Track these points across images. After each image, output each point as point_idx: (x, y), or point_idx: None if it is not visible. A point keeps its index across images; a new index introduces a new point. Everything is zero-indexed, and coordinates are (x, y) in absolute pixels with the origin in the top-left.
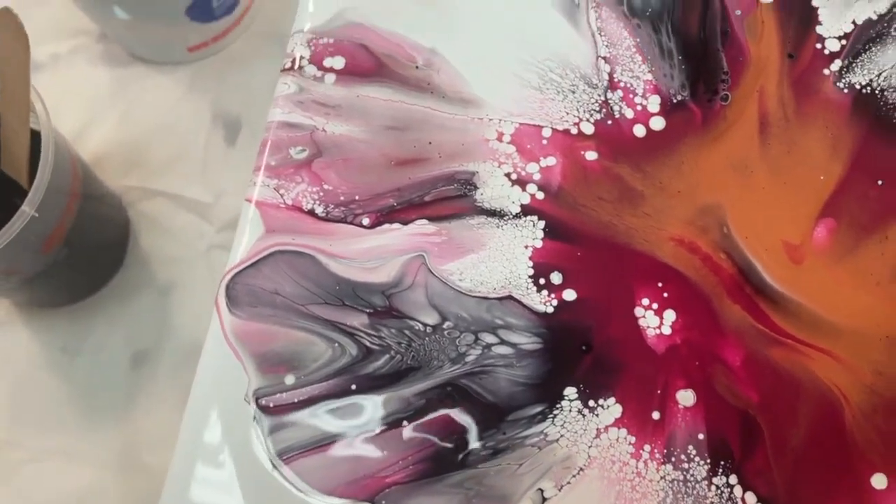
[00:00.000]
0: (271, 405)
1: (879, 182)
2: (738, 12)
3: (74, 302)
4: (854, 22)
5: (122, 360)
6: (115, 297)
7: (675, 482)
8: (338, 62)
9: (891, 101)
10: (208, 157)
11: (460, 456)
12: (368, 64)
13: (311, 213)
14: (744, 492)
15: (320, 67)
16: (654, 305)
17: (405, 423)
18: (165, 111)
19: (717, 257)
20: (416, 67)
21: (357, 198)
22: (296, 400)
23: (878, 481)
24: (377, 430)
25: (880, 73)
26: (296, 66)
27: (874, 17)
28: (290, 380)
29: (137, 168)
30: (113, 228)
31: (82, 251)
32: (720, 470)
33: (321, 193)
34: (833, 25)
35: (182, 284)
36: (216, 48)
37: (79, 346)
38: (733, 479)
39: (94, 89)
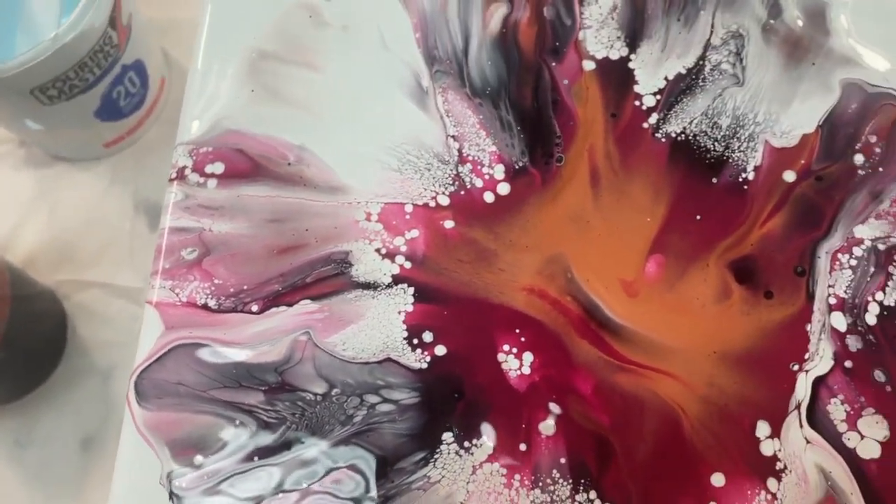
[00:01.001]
0: (184, 485)
1: (698, 217)
2: (566, 81)
3: (20, 398)
4: (666, 78)
5: (72, 444)
6: (60, 385)
7: None
8: (218, 167)
9: (702, 145)
10: (134, 244)
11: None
12: (245, 166)
13: (205, 306)
14: (602, 503)
15: (202, 174)
16: (514, 350)
17: (306, 484)
18: (90, 205)
19: (564, 300)
20: (289, 164)
21: (245, 287)
22: (206, 477)
23: (717, 479)
24: (281, 494)
25: (692, 121)
26: (181, 176)
27: (683, 72)
28: (198, 460)
29: (69, 262)
30: (49, 322)
31: (21, 350)
32: (581, 488)
33: (212, 288)
34: (648, 83)
35: (122, 366)
36: (131, 140)
37: (30, 436)
38: (593, 494)
39: (21, 192)
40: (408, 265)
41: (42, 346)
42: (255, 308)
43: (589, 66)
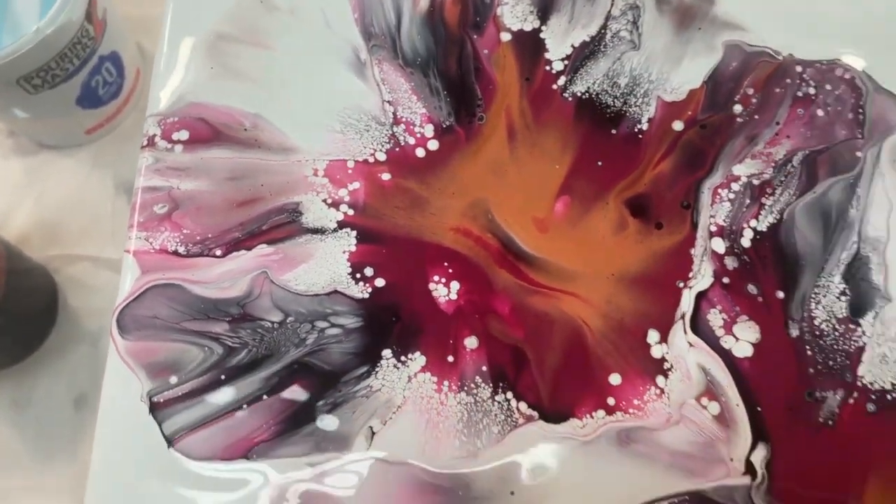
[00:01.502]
0: (161, 401)
1: (599, 163)
2: (486, 51)
3: (17, 363)
4: (572, 45)
5: (65, 404)
6: (53, 351)
7: (469, 404)
8: (183, 135)
9: (603, 102)
10: (116, 222)
11: (309, 412)
12: (207, 133)
13: (175, 252)
14: (518, 402)
15: (170, 141)
16: (443, 280)
17: (265, 396)
18: (74, 188)
19: (485, 237)
20: (245, 130)
21: (209, 236)
22: (179, 394)
23: (614, 379)
24: (244, 406)
25: (594, 82)
26: (151, 143)
27: (587, 40)
28: (173, 380)
29: (58, 240)
30: (42, 294)
31: (16, 319)
32: (499, 390)
33: (181, 237)
34: (557, 50)
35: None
36: (110, 128)
37: (27, 398)
38: (510, 394)
39: (10, 178)
40: (350, 212)
41: (36, 316)
42: (218, 252)
43: (506, 37)
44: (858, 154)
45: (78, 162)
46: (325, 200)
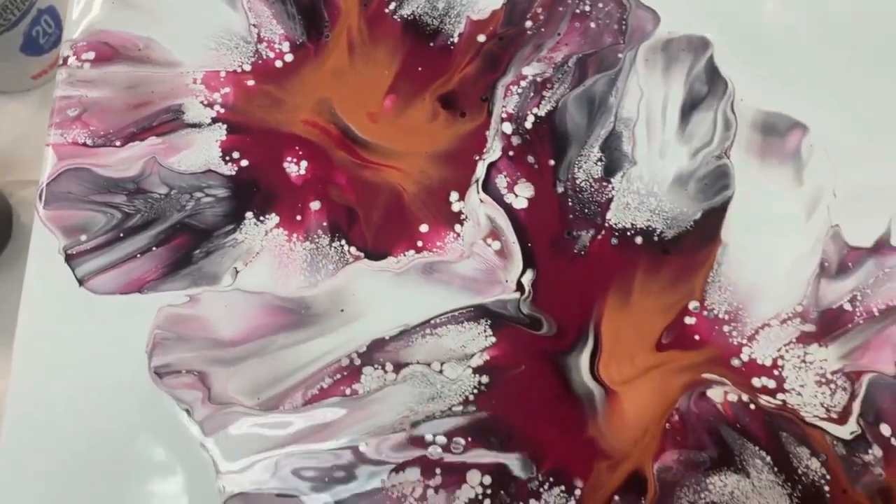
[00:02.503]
0: (74, 253)
1: (419, 69)
2: None
3: None
4: None
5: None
6: (9, 261)
7: (312, 250)
8: (90, 55)
9: (425, 22)
10: None
11: (188, 258)
12: (109, 53)
13: (84, 144)
14: (349, 247)
15: (80, 60)
16: (294, 159)
17: (154, 248)
18: (24, 126)
19: (328, 127)
20: (139, 49)
21: (111, 131)
22: (88, 248)
23: (423, 228)
24: (137, 254)
25: (418, 6)
26: (65, 62)
27: None
28: (83, 238)
29: (11, 169)
30: None
31: None
32: (335, 239)
33: (89, 132)
34: None
35: None
36: (54, 73)
37: None
38: (343, 242)
39: None
40: (222, 111)
41: None
42: (118, 143)
43: None
44: (620, 56)
45: (26, 104)
46: (202, 102)
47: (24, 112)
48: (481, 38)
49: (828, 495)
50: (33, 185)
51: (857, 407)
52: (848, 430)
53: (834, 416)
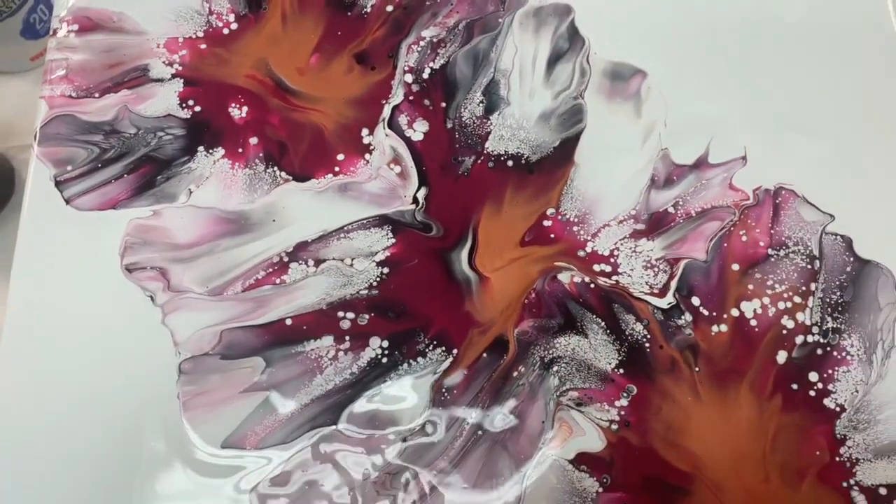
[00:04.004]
0: (62, 179)
1: (339, 33)
2: None
3: None
4: None
5: None
6: (11, 213)
7: (250, 175)
8: (74, 27)
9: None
10: None
11: (152, 182)
12: (90, 25)
13: (70, 96)
14: (280, 172)
15: (67, 31)
16: (237, 105)
17: (125, 175)
18: (24, 100)
19: (265, 80)
20: (114, 21)
21: (91, 86)
22: (73, 175)
23: (340, 157)
24: (112, 179)
25: None
26: (55, 33)
27: None
28: (69, 168)
29: (14, 136)
30: (2, 172)
31: None
32: (269, 166)
33: (73, 87)
34: None
35: None
36: None
37: None
38: (275, 168)
39: None
40: (180, 69)
41: None
42: (97, 95)
43: None
44: (500, 20)
45: (26, 82)
46: (163, 62)
47: (23, 88)
48: (389, 8)
49: (648, 350)
50: (31, 148)
51: (674, 284)
52: (666, 302)
53: (656, 291)
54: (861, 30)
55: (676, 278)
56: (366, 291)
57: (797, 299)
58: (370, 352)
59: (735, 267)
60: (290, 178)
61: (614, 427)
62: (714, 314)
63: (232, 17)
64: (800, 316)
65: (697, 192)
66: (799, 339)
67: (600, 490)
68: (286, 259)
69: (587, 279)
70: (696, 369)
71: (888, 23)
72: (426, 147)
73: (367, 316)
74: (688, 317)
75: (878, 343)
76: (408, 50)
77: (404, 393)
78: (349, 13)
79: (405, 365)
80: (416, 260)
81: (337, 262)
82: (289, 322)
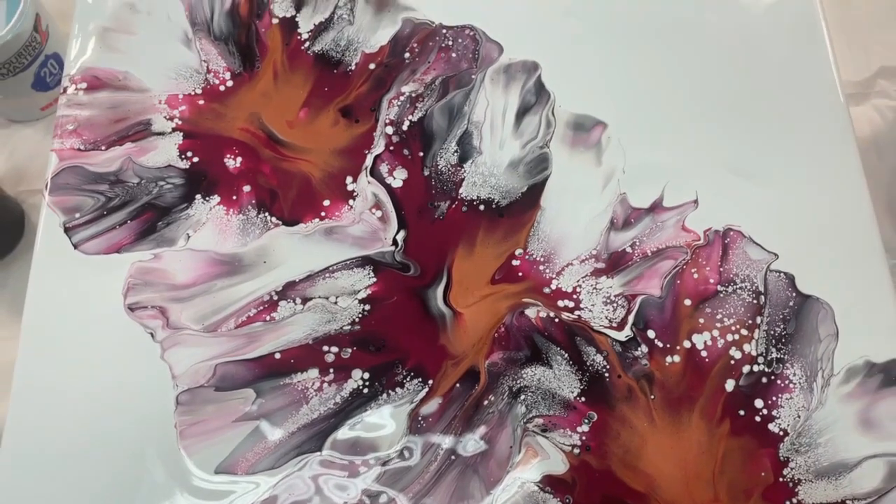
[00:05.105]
0: (70, 226)
1: (326, 89)
2: (263, 29)
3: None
4: (314, 24)
5: None
6: (23, 254)
7: (244, 220)
8: (83, 85)
9: (331, 56)
10: None
11: (153, 228)
12: (97, 83)
13: (78, 149)
14: (270, 217)
15: (76, 88)
16: (232, 157)
17: (129, 221)
18: (34, 148)
19: (258, 133)
20: (119, 80)
21: (98, 139)
22: (81, 222)
23: (326, 203)
24: (116, 225)
25: (325, 44)
26: (65, 91)
27: (324, 20)
28: (77, 215)
29: (24, 181)
30: (12, 215)
31: None
32: (261, 212)
33: (81, 141)
34: (305, 27)
35: None
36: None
37: (4, 284)
38: (266, 214)
39: None
40: (180, 122)
41: (9, 229)
42: (103, 147)
43: (275, 21)
44: (473, 77)
45: (36, 130)
46: (165, 117)
47: (34, 136)
48: (372, 66)
49: (607, 379)
50: (40, 194)
51: (631, 318)
52: (624, 335)
53: (615, 325)
54: (805, 84)
55: (633, 313)
56: (349, 327)
57: (744, 332)
58: (352, 383)
59: (687, 302)
60: (280, 222)
61: (576, 451)
62: (668, 346)
63: (228, 75)
64: (746, 347)
65: (653, 233)
66: (746, 369)
67: None
68: (276, 297)
69: (552, 314)
70: (652, 397)
71: (830, 79)
72: (405, 193)
73: (349, 350)
74: (644, 348)
75: (819, 372)
76: (389, 104)
77: (384, 421)
78: (335, 70)
79: (384, 395)
80: (395, 297)
81: (322, 300)
82: (278, 356)
